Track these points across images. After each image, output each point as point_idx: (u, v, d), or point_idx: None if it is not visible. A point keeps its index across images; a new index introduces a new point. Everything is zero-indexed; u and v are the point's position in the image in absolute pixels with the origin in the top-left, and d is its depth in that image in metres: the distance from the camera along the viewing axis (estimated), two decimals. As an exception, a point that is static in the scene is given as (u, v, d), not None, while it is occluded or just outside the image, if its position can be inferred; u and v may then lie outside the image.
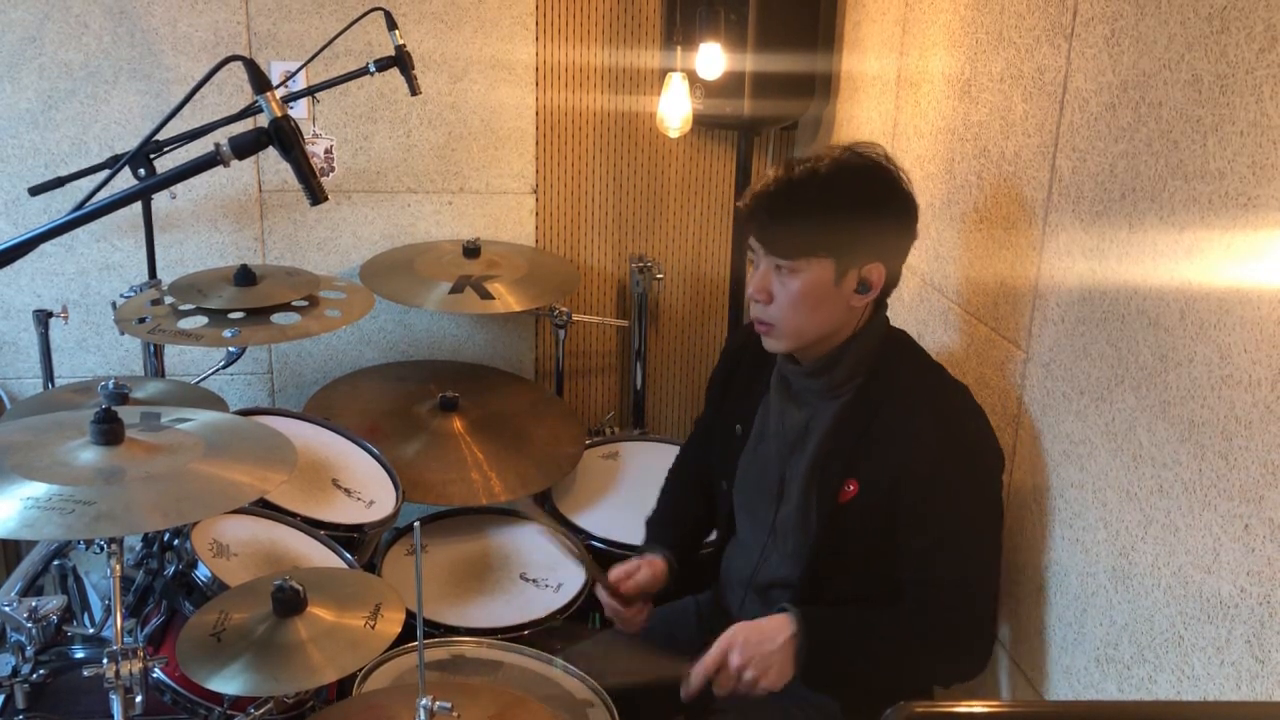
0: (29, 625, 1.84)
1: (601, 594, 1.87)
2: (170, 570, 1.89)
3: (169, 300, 2.26)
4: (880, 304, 1.73)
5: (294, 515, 2.08)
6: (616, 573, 1.88)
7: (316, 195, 1.42)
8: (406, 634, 1.68)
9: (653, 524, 2.04)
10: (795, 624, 1.61)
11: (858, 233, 1.64)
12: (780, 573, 1.77)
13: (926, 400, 1.67)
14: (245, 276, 2.30)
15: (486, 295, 2.57)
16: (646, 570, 1.87)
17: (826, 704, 1.73)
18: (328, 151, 2.82)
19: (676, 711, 1.86)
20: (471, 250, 2.72)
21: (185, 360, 2.78)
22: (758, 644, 1.61)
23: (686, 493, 2.06)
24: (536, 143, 2.92)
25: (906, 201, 1.69)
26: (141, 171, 2.15)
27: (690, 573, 1.97)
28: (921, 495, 1.61)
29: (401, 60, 2.38)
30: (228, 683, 1.56)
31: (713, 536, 2.00)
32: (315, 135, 2.79)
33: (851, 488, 1.66)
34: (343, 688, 1.86)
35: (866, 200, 1.66)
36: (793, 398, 1.77)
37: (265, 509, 2.07)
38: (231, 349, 2.47)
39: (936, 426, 1.63)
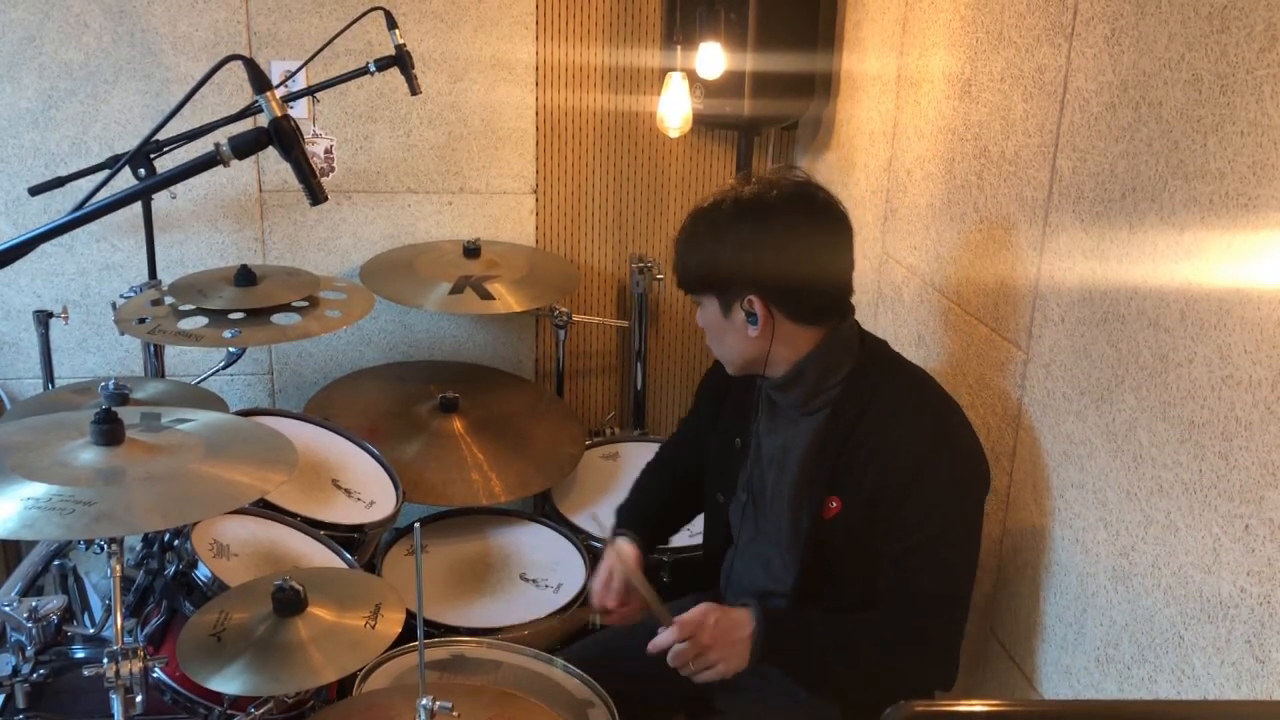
0: (29, 625, 1.83)
1: (595, 621, 1.89)
2: (170, 570, 1.89)
3: (169, 300, 2.26)
4: (833, 320, 1.69)
5: (294, 515, 2.08)
6: (595, 592, 1.85)
7: (316, 195, 1.41)
8: (406, 634, 1.68)
9: (623, 510, 2.03)
10: (754, 623, 1.63)
11: (728, 267, 1.65)
12: (775, 583, 1.77)
13: (904, 412, 1.66)
14: (245, 277, 2.30)
15: (486, 295, 2.57)
16: (618, 568, 1.84)
17: (827, 706, 1.73)
18: (328, 151, 2.82)
19: (677, 711, 1.87)
20: (471, 250, 2.72)
21: (185, 361, 2.79)
22: (726, 630, 1.63)
23: (659, 487, 2.06)
24: (536, 143, 2.92)
25: (784, 231, 1.65)
26: (141, 171, 2.15)
27: (691, 574, 1.96)
28: (897, 504, 1.61)
29: (401, 60, 2.38)
30: (228, 682, 1.56)
31: (693, 538, 1.99)
32: (315, 135, 2.79)
33: (834, 504, 1.67)
34: (343, 688, 1.86)
35: (734, 235, 1.65)
36: (776, 414, 1.78)
37: (265, 509, 2.07)
38: (231, 349, 2.47)
39: (914, 438, 1.63)
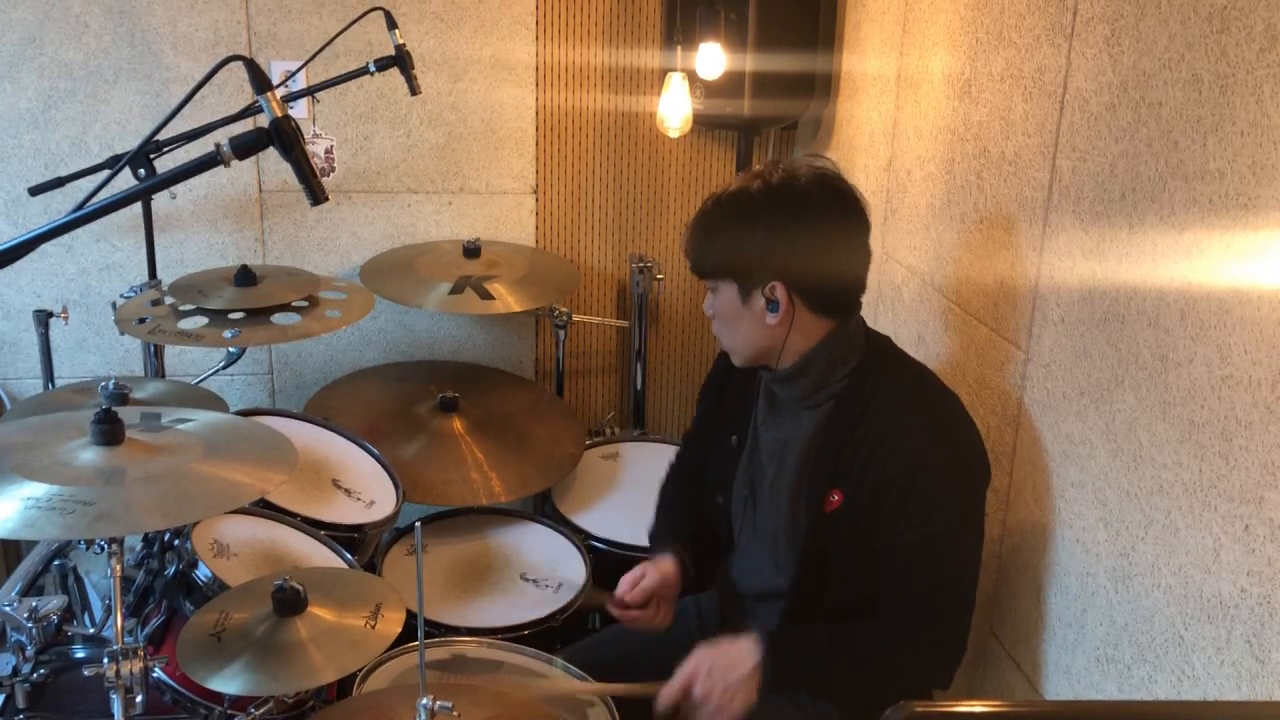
0: (29, 625, 1.83)
1: (613, 612, 1.85)
2: (170, 570, 1.89)
3: (169, 300, 2.26)
4: (842, 314, 1.70)
5: (294, 515, 2.08)
6: (622, 585, 1.85)
7: (317, 195, 1.41)
8: (407, 634, 1.68)
9: (656, 534, 2.00)
10: (760, 652, 1.62)
11: (755, 253, 1.64)
12: (772, 583, 1.77)
13: (908, 406, 1.66)
14: (245, 277, 2.30)
15: (486, 295, 2.57)
16: (653, 574, 1.84)
17: (826, 706, 1.73)
18: (328, 151, 2.82)
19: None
20: (471, 250, 2.72)
21: (185, 360, 2.79)
22: (722, 673, 1.62)
23: (685, 497, 2.03)
24: (536, 143, 2.92)
25: (815, 219, 1.65)
26: (141, 171, 2.15)
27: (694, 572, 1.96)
28: (899, 498, 1.61)
29: (401, 60, 2.38)
30: (228, 682, 1.56)
31: None
32: (315, 135, 2.79)
33: (836, 497, 1.66)
34: (343, 688, 1.86)
35: (765, 221, 1.64)
36: (776, 408, 1.78)
37: (265, 509, 2.07)
38: (231, 349, 2.47)
39: (918, 432, 1.63)
